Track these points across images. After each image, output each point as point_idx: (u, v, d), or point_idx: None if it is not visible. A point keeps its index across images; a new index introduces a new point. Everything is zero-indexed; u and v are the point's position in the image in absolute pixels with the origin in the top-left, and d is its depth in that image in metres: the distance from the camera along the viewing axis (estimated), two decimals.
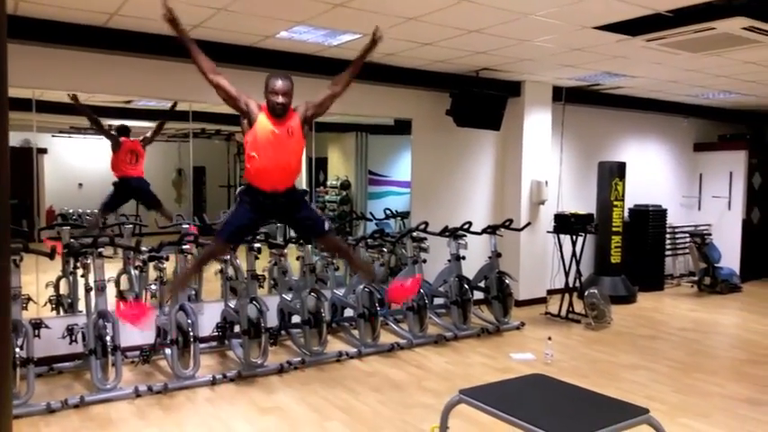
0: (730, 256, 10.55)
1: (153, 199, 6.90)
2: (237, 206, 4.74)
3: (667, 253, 10.55)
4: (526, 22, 5.42)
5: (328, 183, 8.50)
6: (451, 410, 3.38)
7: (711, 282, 9.92)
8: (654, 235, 10.00)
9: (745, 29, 5.39)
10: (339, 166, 8.60)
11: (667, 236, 10.49)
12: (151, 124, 7.09)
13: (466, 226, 7.30)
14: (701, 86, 8.71)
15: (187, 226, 6.53)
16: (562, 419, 3.01)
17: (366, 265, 5.16)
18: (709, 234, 10.66)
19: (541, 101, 8.66)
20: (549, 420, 2.94)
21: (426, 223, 7.18)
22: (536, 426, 2.87)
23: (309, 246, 6.49)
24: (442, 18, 5.32)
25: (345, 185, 8.49)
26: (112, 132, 6.67)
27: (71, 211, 6.74)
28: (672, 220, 10.64)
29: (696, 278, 10.19)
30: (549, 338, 6.37)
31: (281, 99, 4.38)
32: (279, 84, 4.40)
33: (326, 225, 4.98)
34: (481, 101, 7.75)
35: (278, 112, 4.41)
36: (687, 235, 10.62)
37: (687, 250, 10.76)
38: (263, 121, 4.43)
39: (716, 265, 9.96)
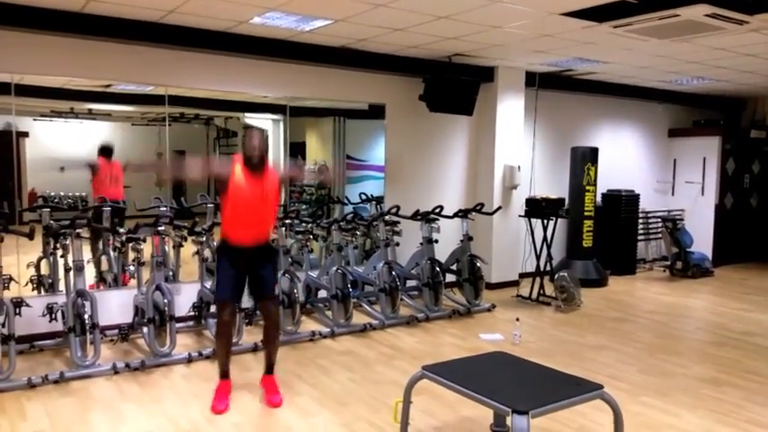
0: (703, 241, 10.75)
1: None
2: (219, 264, 4.76)
3: (640, 237, 10.75)
4: (494, 8, 5.53)
5: (306, 167, 8.60)
6: (415, 386, 3.56)
7: (683, 266, 10.12)
8: (626, 219, 10.18)
9: (707, 15, 5.50)
10: (317, 151, 8.69)
11: (640, 220, 10.68)
12: (130, 108, 7.19)
13: (437, 210, 7.45)
14: (674, 72, 8.85)
15: (164, 209, 6.62)
16: (518, 393, 3.17)
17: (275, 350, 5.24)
18: (681, 219, 10.86)
19: (514, 86, 8.77)
20: (506, 394, 3.11)
21: (398, 207, 7.33)
22: (492, 399, 3.03)
23: (283, 228, 6.62)
24: (410, 4, 5.43)
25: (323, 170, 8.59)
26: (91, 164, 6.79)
27: (52, 193, 6.82)
28: (645, 204, 10.83)
29: (668, 263, 10.40)
30: (517, 319, 6.55)
31: (257, 151, 4.50)
32: (255, 138, 4.52)
33: (275, 290, 5.02)
34: (454, 86, 7.85)
35: (254, 163, 4.51)
36: (660, 220, 10.80)
37: (659, 235, 10.96)
38: (238, 173, 4.52)
39: (687, 249, 10.16)
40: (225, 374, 4.78)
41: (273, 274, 4.95)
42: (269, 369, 4.91)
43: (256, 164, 4.52)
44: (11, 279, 5.89)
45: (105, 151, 6.87)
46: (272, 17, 5.86)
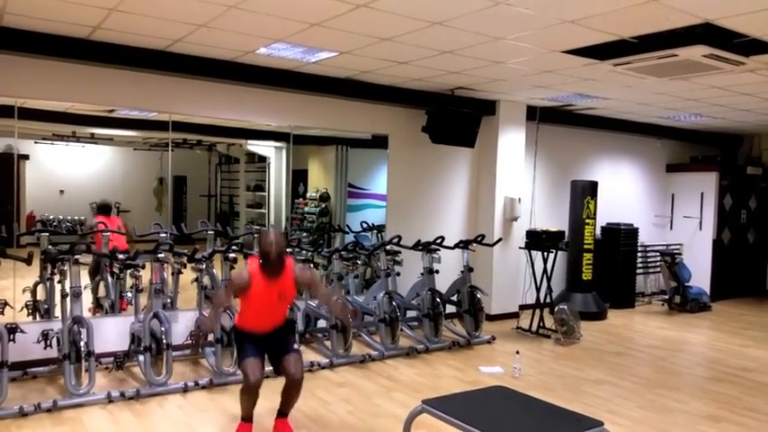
0: (701, 276, 10.75)
1: None
2: (237, 342, 4.74)
3: (639, 271, 10.74)
4: (497, 45, 5.60)
5: (308, 194, 8.61)
6: (414, 420, 3.52)
7: (681, 300, 10.10)
8: (625, 253, 10.18)
9: (705, 56, 5.58)
10: (319, 179, 8.72)
11: (639, 254, 10.67)
12: (133, 133, 7.21)
13: (438, 240, 7.44)
14: (672, 109, 8.93)
15: (164, 235, 6.60)
16: (519, 430, 3.15)
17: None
18: (680, 253, 10.87)
19: (515, 120, 8.83)
20: (507, 430, 3.09)
21: (399, 237, 7.33)
22: None
23: None
24: (415, 39, 5.48)
25: (325, 197, 8.60)
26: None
27: (51, 217, 6.80)
28: (644, 238, 10.85)
29: (667, 297, 10.38)
30: (517, 352, 6.51)
31: (272, 254, 4.31)
32: (270, 239, 4.35)
33: (295, 345, 4.78)
34: (456, 119, 7.90)
35: (271, 266, 4.35)
36: (658, 254, 10.81)
37: (658, 269, 10.96)
38: (256, 278, 4.41)
39: (686, 284, 10.15)
40: (248, 418, 4.63)
41: (292, 335, 4.85)
42: (284, 414, 4.73)
43: (273, 267, 4.35)
44: (6, 304, 5.85)
45: (104, 209, 6.87)
46: (278, 48, 5.89)
